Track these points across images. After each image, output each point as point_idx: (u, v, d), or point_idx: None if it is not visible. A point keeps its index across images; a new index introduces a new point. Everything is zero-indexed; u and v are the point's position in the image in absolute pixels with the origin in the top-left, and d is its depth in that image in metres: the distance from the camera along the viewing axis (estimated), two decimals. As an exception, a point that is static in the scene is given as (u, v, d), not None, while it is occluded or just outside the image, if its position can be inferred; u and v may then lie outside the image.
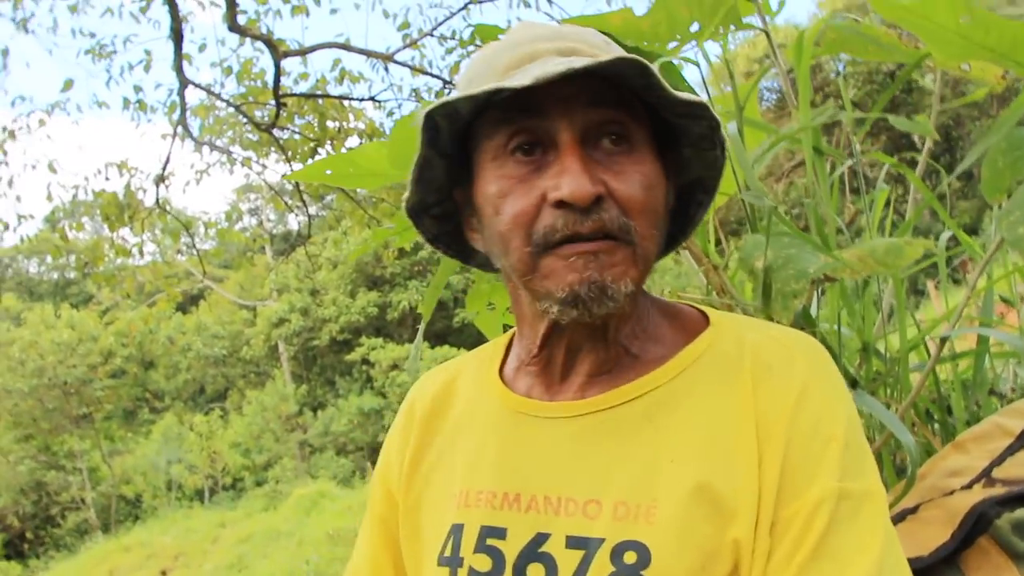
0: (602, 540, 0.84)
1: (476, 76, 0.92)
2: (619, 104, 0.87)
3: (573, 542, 0.86)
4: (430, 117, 0.87)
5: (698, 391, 0.89)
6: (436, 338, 27.21)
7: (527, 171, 0.87)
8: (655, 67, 0.83)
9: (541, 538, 0.88)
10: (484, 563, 0.90)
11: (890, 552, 0.80)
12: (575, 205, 0.83)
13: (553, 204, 0.84)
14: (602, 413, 0.91)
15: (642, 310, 0.97)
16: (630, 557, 0.82)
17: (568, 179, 0.83)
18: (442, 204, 1.01)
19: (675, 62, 1.60)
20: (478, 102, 0.86)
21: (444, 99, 0.85)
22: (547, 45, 0.89)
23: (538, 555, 0.87)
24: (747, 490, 0.82)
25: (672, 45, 1.59)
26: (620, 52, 0.91)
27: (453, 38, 8.09)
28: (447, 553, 0.94)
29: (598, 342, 0.94)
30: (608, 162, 0.87)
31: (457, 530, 0.93)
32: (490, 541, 0.90)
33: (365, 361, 27.77)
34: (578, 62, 0.80)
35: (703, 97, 1.50)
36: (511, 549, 0.89)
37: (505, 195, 0.88)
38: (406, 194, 0.97)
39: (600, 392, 0.93)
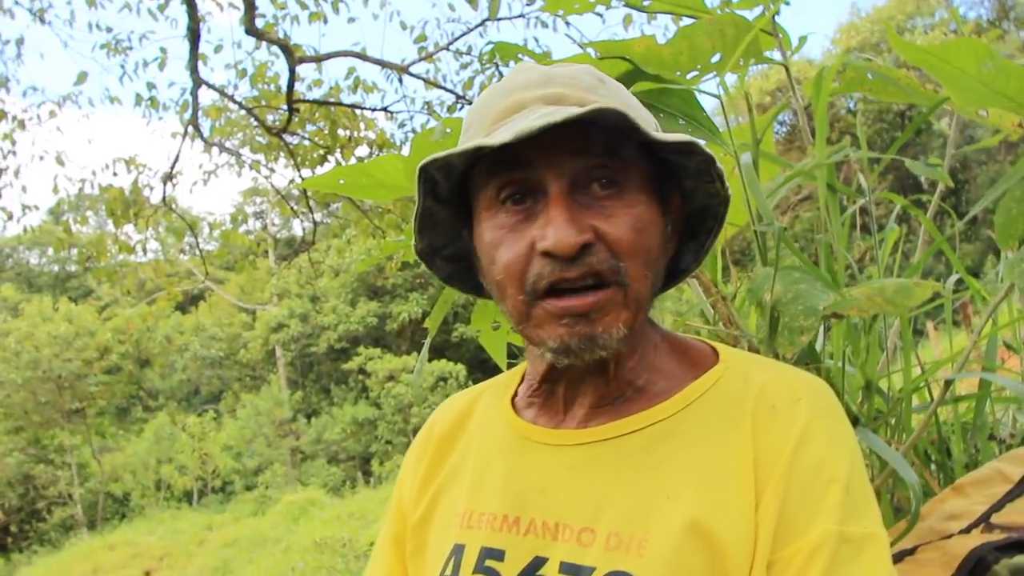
0: (593, 569, 0.85)
1: (471, 124, 0.95)
2: (606, 149, 0.88)
3: (566, 568, 0.87)
4: (425, 170, 0.90)
5: (699, 427, 0.90)
6: (434, 352, 27.16)
7: (517, 220, 0.89)
8: (630, 111, 0.83)
9: (538, 562, 0.89)
10: None
11: None
12: (560, 256, 0.85)
13: (540, 253, 0.86)
14: (603, 443, 0.93)
15: (647, 344, 0.98)
16: None
17: (553, 230, 0.85)
18: (454, 245, 1.03)
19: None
20: (468, 155, 0.88)
21: (435, 155, 0.88)
22: (534, 93, 0.91)
23: None
24: (742, 529, 0.83)
25: (692, 74, 1.60)
26: (612, 94, 0.94)
27: (469, 53, 8.15)
28: (447, 572, 0.95)
29: (599, 378, 0.95)
30: (598, 206, 0.88)
31: (459, 550, 0.95)
32: (489, 563, 0.91)
33: (362, 371, 27.72)
34: (559, 113, 0.81)
35: (716, 128, 1.51)
36: (509, 571, 0.90)
37: (498, 245, 0.90)
38: (413, 239, 0.99)
39: (603, 423, 0.94)
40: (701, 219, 1.02)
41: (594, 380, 0.95)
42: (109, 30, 8.56)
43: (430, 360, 25.79)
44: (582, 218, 0.86)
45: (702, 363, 0.98)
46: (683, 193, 0.98)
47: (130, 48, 8.46)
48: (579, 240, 0.84)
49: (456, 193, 0.97)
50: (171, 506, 25.04)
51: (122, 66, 8.48)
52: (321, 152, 8.76)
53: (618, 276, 0.87)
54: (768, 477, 0.84)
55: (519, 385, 1.08)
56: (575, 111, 0.81)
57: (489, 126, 0.91)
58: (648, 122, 0.91)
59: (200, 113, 8.34)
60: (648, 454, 0.90)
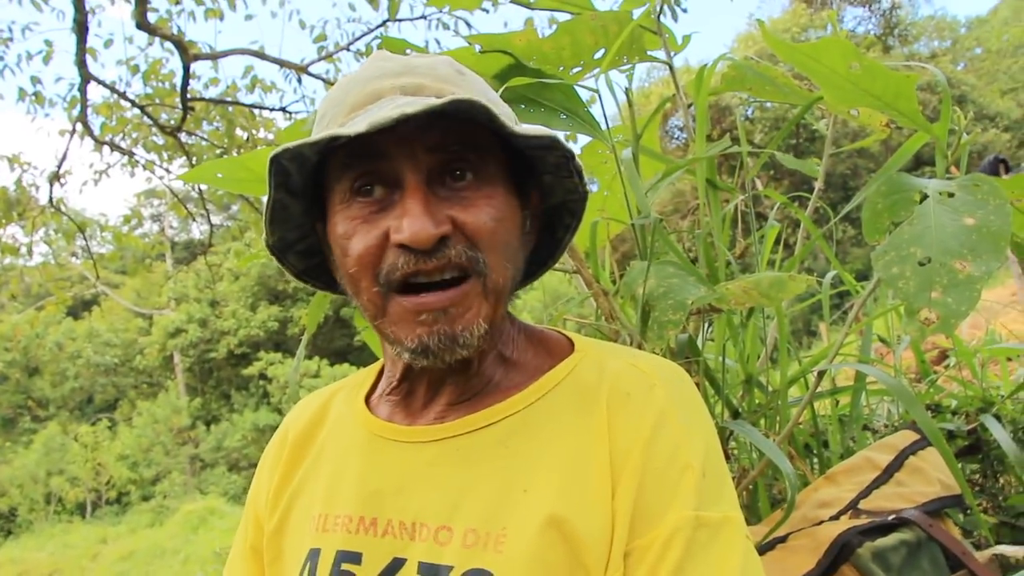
0: (451, 568, 0.83)
1: (326, 113, 0.92)
2: (464, 140, 0.87)
3: (424, 568, 0.84)
4: (276, 161, 0.85)
5: (554, 418, 0.89)
6: (336, 356, 26.91)
7: (371, 211, 0.86)
8: (492, 105, 0.82)
9: (397, 563, 0.86)
10: None
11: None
12: (416, 248, 0.82)
13: (395, 245, 0.83)
14: (458, 439, 0.91)
15: (506, 337, 0.97)
16: None
17: (409, 221, 0.82)
18: (306, 240, 1.00)
19: (583, 89, 1.61)
20: (322, 146, 0.85)
21: (286, 145, 0.83)
22: (391, 82, 0.89)
23: None
24: (600, 520, 0.82)
25: (576, 70, 1.60)
26: (471, 85, 0.92)
27: (369, 54, 8.05)
28: None
29: (460, 376, 0.93)
30: (456, 197, 0.86)
31: (314, 555, 0.92)
32: (345, 566, 0.89)
33: (263, 376, 27.30)
34: (417, 103, 0.79)
35: (597, 123, 1.52)
36: (367, 574, 0.87)
37: (350, 236, 0.87)
38: (263, 234, 0.95)
39: (458, 417, 0.92)
40: (559, 215, 1.01)
41: (455, 379, 0.94)
42: (-13, 19, 8.17)
43: (332, 364, 25.55)
44: (439, 209, 0.84)
45: (558, 353, 0.97)
46: (542, 188, 0.98)
47: (11, 39, 8.09)
48: (436, 232, 0.82)
49: (309, 186, 0.93)
50: (62, 520, 24.17)
51: (2, 57, 8.10)
52: (218, 152, 8.55)
53: (477, 266, 0.85)
54: (623, 466, 0.84)
55: (375, 383, 1.06)
56: (432, 102, 0.79)
57: (345, 116, 0.88)
58: (507, 115, 0.90)
59: (90, 110, 8.04)
60: (505, 447, 0.88)
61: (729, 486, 0.86)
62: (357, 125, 0.80)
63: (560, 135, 0.90)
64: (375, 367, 1.10)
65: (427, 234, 0.81)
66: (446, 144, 0.85)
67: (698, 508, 0.81)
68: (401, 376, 0.97)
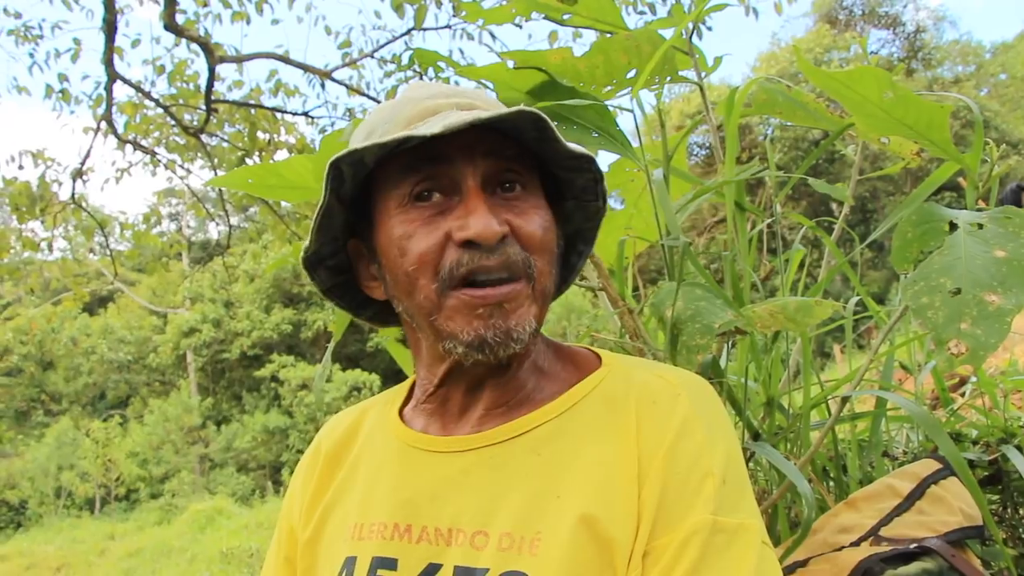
0: (487, 570, 0.85)
1: (377, 128, 0.97)
2: (514, 155, 0.94)
3: (460, 572, 0.87)
4: (336, 165, 0.90)
5: (585, 426, 0.93)
6: (348, 361, 26.93)
7: (431, 214, 0.91)
8: (549, 119, 0.89)
9: (432, 568, 0.89)
10: None
11: None
12: (483, 244, 0.88)
13: (459, 244, 0.89)
14: (492, 447, 0.94)
15: (538, 348, 1.01)
16: None
17: (475, 219, 0.88)
18: (336, 256, 1.04)
19: (610, 107, 1.62)
20: (384, 151, 0.90)
21: (353, 147, 0.89)
22: (446, 100, 0.95)
23: None
24: (628, 523, 0.85)
25: (607, 89, 1.61)
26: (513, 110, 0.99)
27: (393, 62, 8.10)
28: None
29: (499, 378, 0.97)
30: (508, 205, 0.93)
31: (350, 563, 0.94)
32: (381, 572, 0.91)
33: (275, 378, 27.35)
34: (482, 114, 0.86)
35: (629, 143, 1.53)
36: None
37: (410, 236, 0.91)
38: (305, 243, 1.00)
39: (493, 427, 0.96)
40: (574, 242, 1.08)
41: (494, 383, 0.97)
42: (18, 15, 8.25)
43: (344, 369, 25.58)
44: (497, 212, 0.90)
45: (586, 367, 1.01)
46: (563, 214, 1.04)
47: (41, 37, 8.17)
48: (500, 230, 0.88)
49: (357, 195, 0.98)
50: (71, 514, 24.23)
51: (31, 55, 8.18)
52: (239, 154, 8.60)
53: (529, 269, 0.91)
54: (648, 469, 0.87)
55: (407, 397, 1.10)
56: (503, 110, 0.86)
57: (402, 128, 0.92)
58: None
59: (114, 109, 8.11)
60: (537, 455, 0.92)
61: (749, 495, 0.89)
62: (429, 128, 0.85)
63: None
64: (406, 384, 1.13)
65: (493, 231, 0.87)
66: (502, 151, 0.92)
67: (716, 513, 0.84)
68: (440, 381, 0.99)
